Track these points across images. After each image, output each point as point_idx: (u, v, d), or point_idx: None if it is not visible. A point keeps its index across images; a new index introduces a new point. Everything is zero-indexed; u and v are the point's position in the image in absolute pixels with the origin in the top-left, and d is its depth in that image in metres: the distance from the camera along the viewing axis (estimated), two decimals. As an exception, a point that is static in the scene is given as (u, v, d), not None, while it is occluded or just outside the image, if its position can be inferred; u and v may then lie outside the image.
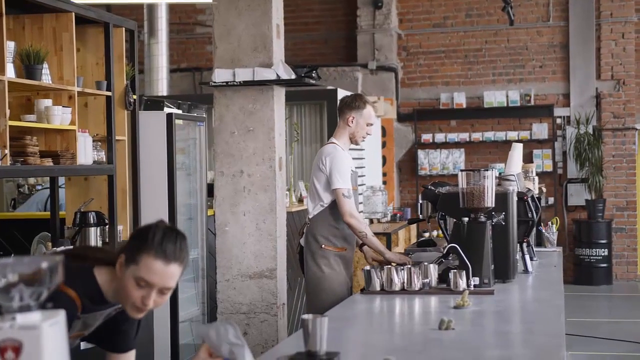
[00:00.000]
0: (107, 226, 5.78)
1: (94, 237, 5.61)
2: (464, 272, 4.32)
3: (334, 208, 5.27)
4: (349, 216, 5.21)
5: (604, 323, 10.01)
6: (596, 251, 12.50)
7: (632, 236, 12.91)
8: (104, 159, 5.77)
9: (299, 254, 5.56)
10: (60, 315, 1.84)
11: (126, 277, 2.70)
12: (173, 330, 6.43)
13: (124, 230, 6.05)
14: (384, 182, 12.41)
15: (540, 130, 12.94)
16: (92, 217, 5.62)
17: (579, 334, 8.97)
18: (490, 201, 4.50)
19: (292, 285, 7.48)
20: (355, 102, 5.43)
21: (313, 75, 5.94)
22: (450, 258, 4.58)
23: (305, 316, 2.81)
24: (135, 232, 2.82)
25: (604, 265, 12.54)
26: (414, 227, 11.19)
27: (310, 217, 5.45)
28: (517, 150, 5.80)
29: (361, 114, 5.40)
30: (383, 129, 12.64)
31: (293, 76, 5.73)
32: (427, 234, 10.66)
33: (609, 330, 9.39)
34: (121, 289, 2.74)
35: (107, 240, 5.80)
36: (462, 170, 4.57)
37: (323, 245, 5.33)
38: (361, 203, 10.07)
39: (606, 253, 12.53)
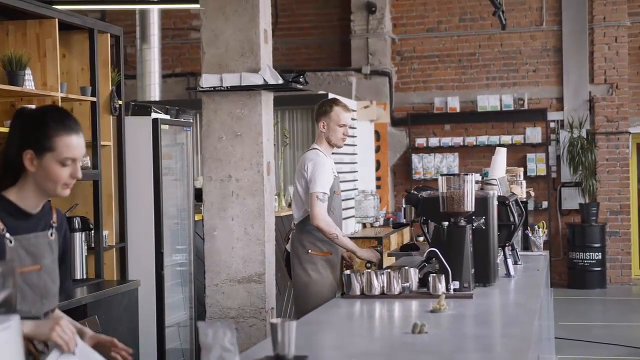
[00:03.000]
0: (92, 231, 5.79)
1: (79, 242, 5.61)
2: (444, 276, 4.33)
3: None
4: (317, 219, 5.26)
5: (598, 327, 10.01)
6: (590, 255, 12.50)
7: (625, 240, 12.91)
8: (89, 165, 5.79)
9: (285, 260, 5.60)
10: (14, 320, 1.86)
11: (47, 165, 2.80)
12: (159, 335, 6.44)
13: (109, 236, 6.06)
14: (378, 187, 12.42)
15: (534, 134, 12.94)
16: (77, 223, 5.63)
17: (571, 337, 8.98)
18: (470, 205, 4.50)
19: (282, 290, 7.49)
20: (322, 107, 5.52)
21: (300, 80, 5.95)
22: (432, 262, 4.59)
23: (274, 320, 2.85)
24: (23, 126, 2.84)
25: (598, 269, 12.54)
26: (407, 231, 11.18)
27: (295, 222, 5.48)
28: (501, 155, 5.81)
29: (330, 117, 5.47)
30: (377, 133, 12.66)
31: (280, 81, 5.73)
32: (421, 238, 10.64)
33: (602, 334, 9.39)
34: (44, 180, 2.82)
35: (92, 245, 5.81)
36: (442, 175, 4.59)
37: (310, 251, 5.38)
38: (352, 208, 10.09)
39: (600, 257, 12.53)
